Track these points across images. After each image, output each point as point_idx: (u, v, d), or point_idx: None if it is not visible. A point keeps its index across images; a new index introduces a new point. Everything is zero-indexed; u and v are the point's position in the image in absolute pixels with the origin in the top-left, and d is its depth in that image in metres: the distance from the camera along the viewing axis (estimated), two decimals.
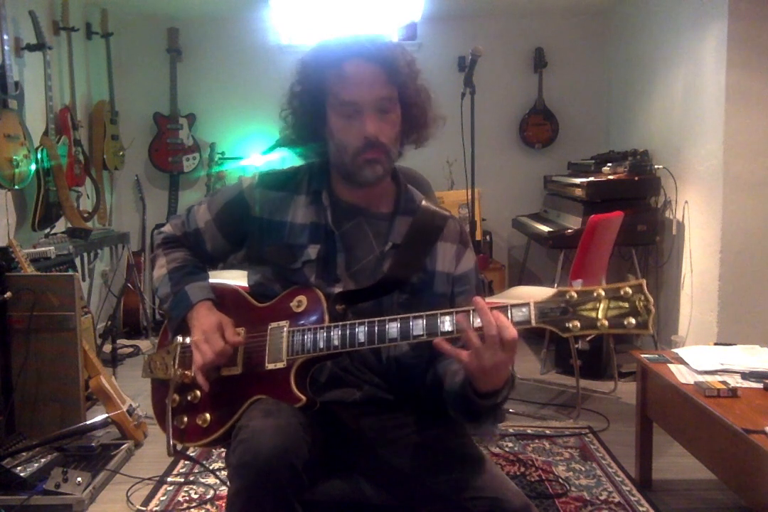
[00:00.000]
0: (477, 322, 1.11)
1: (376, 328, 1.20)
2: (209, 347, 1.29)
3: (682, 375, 2.13)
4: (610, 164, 3.97)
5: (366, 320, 1.21)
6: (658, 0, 3.98)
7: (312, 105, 1.36)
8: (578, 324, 1.08)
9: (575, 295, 1.10)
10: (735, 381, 2.03)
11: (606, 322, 1.08)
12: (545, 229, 3.94)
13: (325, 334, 1.23)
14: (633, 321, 1.07)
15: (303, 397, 1.21)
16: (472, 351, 1.11)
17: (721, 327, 3.23)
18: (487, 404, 1.18)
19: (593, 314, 1.08)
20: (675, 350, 2.43)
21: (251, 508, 1.11)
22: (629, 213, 3.53)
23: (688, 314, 3.58)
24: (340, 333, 1.22)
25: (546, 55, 4.81)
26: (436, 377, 1.33)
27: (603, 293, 1.09)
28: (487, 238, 4.71)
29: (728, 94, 3.15)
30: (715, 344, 2.52)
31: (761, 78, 3.13)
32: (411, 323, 1.18)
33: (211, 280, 1.47)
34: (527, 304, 1.12)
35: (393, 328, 1.19)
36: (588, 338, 3.36)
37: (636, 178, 3.80)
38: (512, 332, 1.09)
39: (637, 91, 4.34)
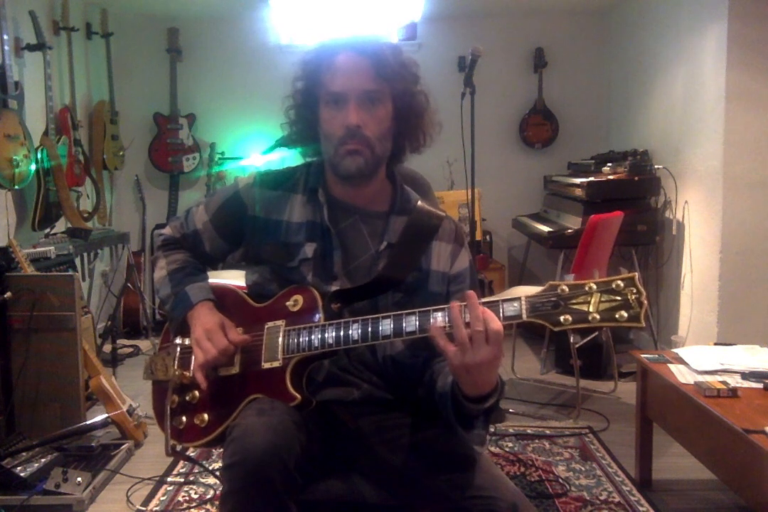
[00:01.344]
0: (467, 318, 1.11)
1: (370, 326, 1.20)
2: (211, 345, 1.29)
3: (682, 375, 2.12)
4: (610, 164, 3.97)
5: (360, 318, 1.22)
6: (658, 0, 3.98)
7: (308, 98, 1.37)
8: (570, 318, 1.08)
9: (566, 289, 1.09)
10: (735, 381, 2.03)
11: (597, 316, 1.07)
12: (545, 229, 3.94)
13: (320, 333, 1.24)
14: (625, 314, 1.06)
15: (298, 396, 1.21)
16: (458, 347, 1.10)
17: (721, 327, 3.23)
18: (474, 408, 1.18)
19: (585, 307, 1.08)
20: (675, 350, 2.43)
21: (243, 507, 1.10)
22: (629, 213, 3.53)
23: (688, 314, 3.57)
24: (334, 331, 1.23)
25: (546, 55, 4.81)
26: (432, 377, 1.33)
27: (594, 286, 1.08)
28: (487, 238, 4.70)
29: (728, 94, 3.15)
30: (715, 344, 2.52)
31: (761, 78, 3.13)
32: (404, 320, 1.18)
33: (209, 280, 1.47)
34: (518, 299, 1.11)
35: (386, 325, 1.19)
36: (586, 339, 3.36)
37: (636, 178, 3.80)
38: (498, 324, 1.09)
39: (637, 91, 4.34)
